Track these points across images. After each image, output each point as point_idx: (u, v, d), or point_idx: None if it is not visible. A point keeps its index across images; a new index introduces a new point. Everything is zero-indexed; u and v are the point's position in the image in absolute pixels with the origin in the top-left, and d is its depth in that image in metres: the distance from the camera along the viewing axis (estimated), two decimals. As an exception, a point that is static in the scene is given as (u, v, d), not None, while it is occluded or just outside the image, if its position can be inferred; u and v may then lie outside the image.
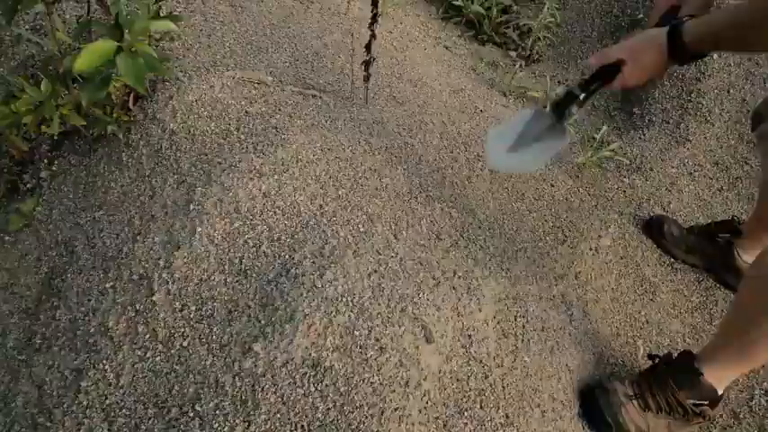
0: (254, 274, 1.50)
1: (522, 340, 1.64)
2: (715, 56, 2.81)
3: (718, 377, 1.57)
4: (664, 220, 2.26)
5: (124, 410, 1.35)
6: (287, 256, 1.53)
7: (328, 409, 1.31)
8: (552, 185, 2.27)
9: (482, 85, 2.78)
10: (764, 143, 1.75)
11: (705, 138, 2.64)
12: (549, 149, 1.57)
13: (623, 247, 2.18)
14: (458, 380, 1.46)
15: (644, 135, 2.67)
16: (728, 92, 2.76)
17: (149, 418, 1.34)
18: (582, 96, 1.47)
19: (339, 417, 1.31)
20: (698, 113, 2.69)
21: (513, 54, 3.14)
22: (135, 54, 1.37)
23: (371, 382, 1.34)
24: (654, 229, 2.26)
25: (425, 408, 1.37)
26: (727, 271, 2.14)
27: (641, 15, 3.05)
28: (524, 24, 3.18)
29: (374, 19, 1.89)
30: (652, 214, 2.34)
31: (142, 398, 1.36)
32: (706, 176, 2.55)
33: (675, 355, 1.68)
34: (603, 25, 3.19)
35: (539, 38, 3.13)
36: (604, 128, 2.56)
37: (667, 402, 1.59)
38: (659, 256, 2.23)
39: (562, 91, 1.51)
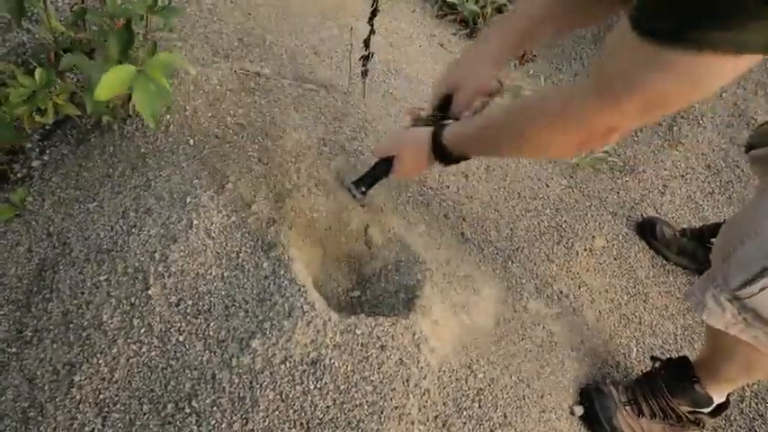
0: (251, 269, 1.48)
1: (521, 340, 1.63)
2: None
3: (716, 387, 1.57)
4: (656, 221, 2.26)
5: (118, 406, 1.33)
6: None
7: (328, 406, 1.30)
8: (547, 185, 2.27)
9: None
10: (757, 166, 1.75)
11: (697, 141, 2.66)
12: None
13: (617, 248, 2.18)
14: (457, 379, 1.45)
15: (636, 137, 2.68)
16: (721, 96, 2.78)
17: (144, 414, 1.31)
18: (360, 193, 1.61)
19: (339, 415, 1.29)
20: (690, 116, 2.71)
21: (507, 53, 3.13)
22: (150, 83, 1.34)
23: (371, 380, 1.33)
24: (647, 230, 2.26)
25: (425, 406, 1.36)
26: (718, 274, 2.15)
27: (635, 17, 3.05)
28: (519, 24, 3.16)
29: (373, 13, 1.87)
30: (645, 216, 2.35)
31: (137, 393, 1.34)
32: (698, 179, 2.57)
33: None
34: (597, 27, 3.19)
35: (533, 38, 3.12)
36: (598, 129, 2.56)
37: (661, 409, 1.59)
38: (652, 258, 2.24)
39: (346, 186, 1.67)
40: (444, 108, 1.48)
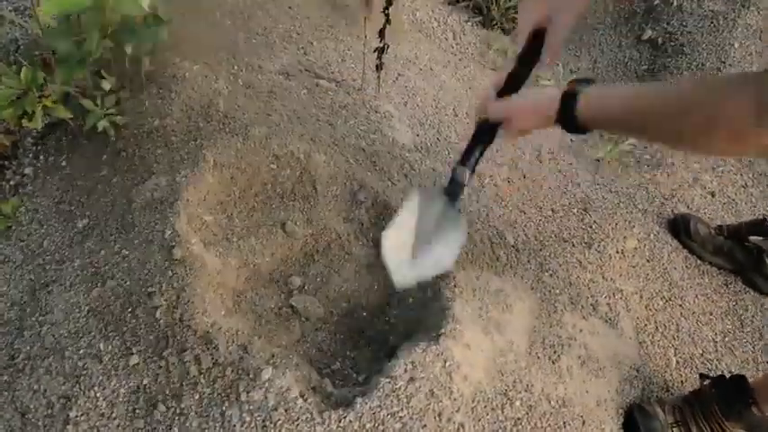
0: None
1: (558, 358, 1.50)
2: (736, 44, 2.68)
3: None
4: (690, 218, 2.12)
5: (119, 446, 1.21)
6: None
7: (352, 447, 1.17)
8: (572, 182, 2.13)
9: (492, 73, 2.63)
10: None
11: (728, 131, 2.51)
12: (451, 246, 1.27)
13: (649, 248, 2.04)
14: (492, 409, 1.32)
15: (663, 128, 2.54)
16: (752, 82, 2.63)
17: (148, 456, 1.19)
18: (469, 172, 1.26)
19: (364, 456, 1.16)
20: (720, 105, 2.56)
21: (523, 41, 2.97)
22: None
23: (400, 416, 1.20)
24: (680, 228, 2.12)
25: (459, 443, 1.23)
26: (758, 275, 2.02)
27: (657, 1, 2.90)
28: (535, 9, 3.01)
29: (389, 2, 1.74)
30: (676, 212, 2.21)
31: None
32: (729, 172, 2.42)
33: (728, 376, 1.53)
34: (617, 11, 3.04)
35: (550, 24, 2.97)
36: (625, 120, 2.42)
37: None
38: (685, 258, 2.10)
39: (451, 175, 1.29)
40: (534, 50, 1.21)
